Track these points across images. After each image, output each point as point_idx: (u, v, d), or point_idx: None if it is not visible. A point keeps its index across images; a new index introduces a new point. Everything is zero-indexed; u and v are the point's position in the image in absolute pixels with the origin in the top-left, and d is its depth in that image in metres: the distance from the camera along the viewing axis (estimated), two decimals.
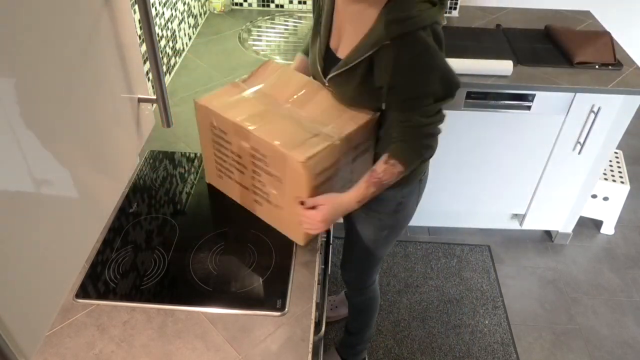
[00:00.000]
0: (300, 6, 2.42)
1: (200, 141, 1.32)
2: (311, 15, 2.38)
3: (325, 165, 1.14)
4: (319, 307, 1.34)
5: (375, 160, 1.27)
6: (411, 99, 1.13)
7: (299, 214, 1.17)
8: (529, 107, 2.03)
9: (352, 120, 1.20)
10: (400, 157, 1.19)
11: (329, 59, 1.24)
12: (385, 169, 1.20)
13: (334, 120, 1.20)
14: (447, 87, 1.13)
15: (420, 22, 1.05)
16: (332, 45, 1.23)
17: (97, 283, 1.16)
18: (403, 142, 1.19)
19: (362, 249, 1.53)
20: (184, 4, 2.01)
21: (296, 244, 1.26)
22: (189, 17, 2.08)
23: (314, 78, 1.32)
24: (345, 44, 1.19)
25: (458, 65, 1.90)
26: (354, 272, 1.66)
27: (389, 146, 1.21)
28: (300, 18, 2.37)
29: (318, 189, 1.16)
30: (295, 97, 1.26)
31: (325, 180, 1.17)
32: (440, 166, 2.18)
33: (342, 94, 1.24)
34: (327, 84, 1.26)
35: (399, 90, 1.12)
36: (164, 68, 1.83)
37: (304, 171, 1.09)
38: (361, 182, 1.22)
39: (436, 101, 1.13)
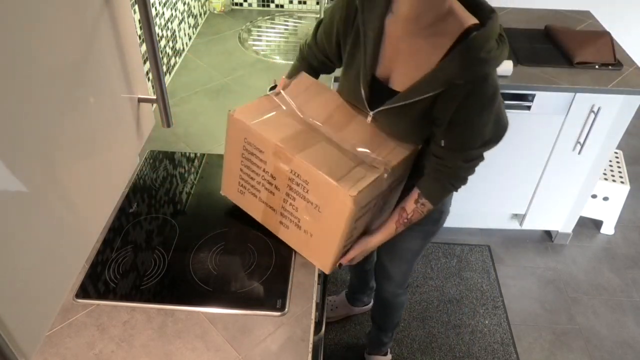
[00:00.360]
0: (300, 6, 2.41)
1: (226, 153, 1.22)
2: (312, 16, 2.38)
3: (370, 198, 1.10)
4: (319, 307, 1.34)
5: (405, 187, 1.25)
6: (462, 140, 1.09)
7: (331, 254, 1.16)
8: (529, 107, 2.03)
9: (396, 150, 1.15)
10: (431, 197, 1.18)
11: (376, 89, 1.14)
12: (414, 209, 1.19)
13: (376, 148, 1.14)
14: (496, 131, 1.09)
15: (496, 63, 1.00)
16: (379, 74, 1.13)
17: (97, 283, 1.16)
18: (435, 180, 1.16)
19: (408, 261, 1.57)
20: (184, 4, 2.01)
21: None
22: (189, 17, 2.08)
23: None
24: (401, 75, 1.10)
25: None
26: (397, 280, 1.66)
27: (419, 178, 1.19)
28: (300, 18, 2.37)
29: (357, 222, 1.12)
30: (332, 118, 1.19)
31: (365, 212, 1.13)
32: None
33: (392, 126, 1.17)
34: (371, 114, 1.17)
35: (455, 128, 1.07)
36: (164, 68, 1.83)
37: (353, 206, 1.03)
38: (390, 223, 1.22)
39: (482, 145, 1.10)
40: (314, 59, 1.32)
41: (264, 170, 1.16)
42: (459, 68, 0.99)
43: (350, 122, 1.19)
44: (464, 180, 1.17)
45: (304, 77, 1.27)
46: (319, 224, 1.12)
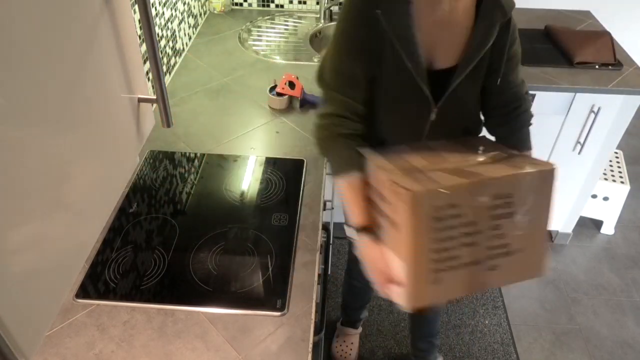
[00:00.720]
0: (300, 6, 2.42)
1: (409, 250, 0.97)
2: (312, 16, 2.38)
3: None
4: (319, 307, 1.34)
5: None
6: (516, 72, 1.23)
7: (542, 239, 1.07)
8: None
9: (495, 144, 1.22)
10: (526, 145, 1.27)
11: (431, 80, 1.12)
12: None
13: (484, 150, 1.16)
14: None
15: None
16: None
17: (97, 283, 1.16)
18: (516, 130, 1.27)
19: None
20: (184, 4, 2.01)
21: (296, 243, 1.26)
22: (189, 17, 2.08)
23: (412, 123, 1.21)
24: (444, 53, 1.13)
25: None
26: None
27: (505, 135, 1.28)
28: (300, 18, 2.37)
29: None
30: (425, 157, 1.11)
31: None
32: None
33: (461, 105, 1.19)
34: (436, 109, 1.16)
35: (514, 55, 1.19)
36: (164, 68, 1.83)
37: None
38: None
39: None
40: (356, 127, 1.15)
41: (463, 224, 1.00)
42: (499, 8, 1.10)
43: (438, 150, 1.15)
44: (531, 113, 1.28)
45: (371, 156, 1.12)
46: (529, 228, 1.04)
